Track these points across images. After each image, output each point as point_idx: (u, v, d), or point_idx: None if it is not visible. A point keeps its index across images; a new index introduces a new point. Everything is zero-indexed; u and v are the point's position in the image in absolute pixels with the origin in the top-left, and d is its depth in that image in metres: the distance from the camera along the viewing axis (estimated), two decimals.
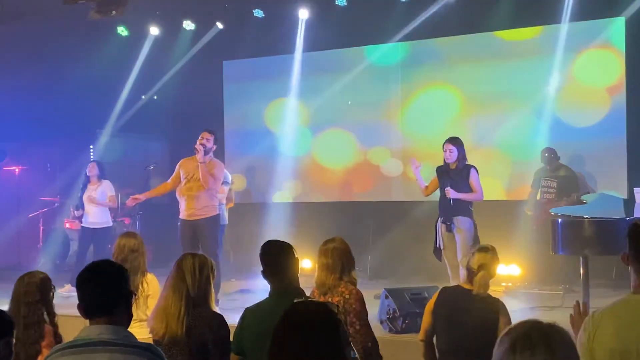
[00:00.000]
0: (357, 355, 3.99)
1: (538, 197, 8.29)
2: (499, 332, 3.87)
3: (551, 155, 8.19)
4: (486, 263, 3.99)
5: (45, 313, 3.78)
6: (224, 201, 8.23)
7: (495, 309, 3.92)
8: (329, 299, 3.92)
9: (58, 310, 3.94)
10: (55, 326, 3.79)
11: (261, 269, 3.59)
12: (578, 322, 2.66)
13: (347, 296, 3.95)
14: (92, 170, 8.87)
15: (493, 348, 3.92)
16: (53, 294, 3.88)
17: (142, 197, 7.63)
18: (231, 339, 3.55)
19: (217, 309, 6.76)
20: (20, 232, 10.98)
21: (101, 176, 8.89)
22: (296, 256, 3.58)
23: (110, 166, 11.44)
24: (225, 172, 7.84)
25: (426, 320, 4.10)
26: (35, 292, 3.74)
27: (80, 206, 8.99)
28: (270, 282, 3.54)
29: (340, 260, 4.02)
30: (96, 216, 8.80)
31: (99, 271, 2.61)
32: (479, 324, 3.85)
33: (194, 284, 3.51)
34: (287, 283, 3.50)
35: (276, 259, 3.52)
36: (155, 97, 11.22)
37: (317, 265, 4.10)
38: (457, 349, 3.90)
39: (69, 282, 8.22)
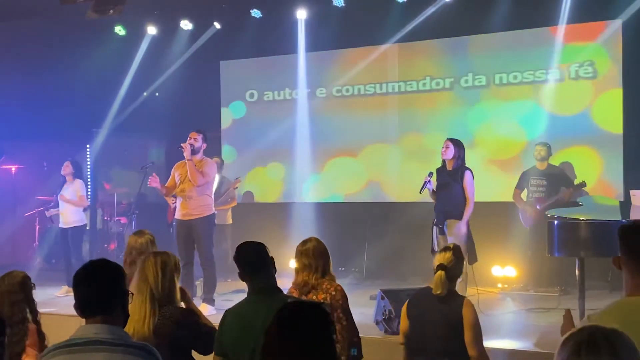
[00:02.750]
0: (356, 353, 4.00)
1: (525, 198, 8.27)
2: (466, 330, 3.91)
3: (546, 149, 8.13)
4: (444, 263, 4.01)
5: (28, 311, 3.81)
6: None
7: (458, 307, 3.92)
8: (313, 298, 3.96)
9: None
10: (38, 324, 3.83)
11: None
12: (568, 328, 2.64)
13: (332, 292, 4.00)
14: (65, 169, 8.76)
15: (458, 346, 3.96)
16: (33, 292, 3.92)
17: (159, 185, 7.40)
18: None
19: (211, 309, 6.81)
20: (16, 231, 10.96)
21: (75, 175, 8.77)
22: (271, 255, 3.61)
23: (107, 165, 11.43)
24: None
25: (403, 323, 4.16)
26: (19, 292, 3.79)
27: (56, 206, 8.87)
28: (247, 282, 3.58)
29: (320, 259, 4.07)
30: (68, 216, 8.70)
31: (95, 270, 2.61)
32: (441, 324, 3.90)
33: (157, 284, 3.51)
34: (264, 283, 3.53)
35: (251, 260, 3.55)
36: (157, 94, 11.20)
37: (296, 267, 4.13)
38: (423, 348, 3.97)
39: (66, 283, 8.20)
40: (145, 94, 11.15)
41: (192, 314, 3.64)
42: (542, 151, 8.13)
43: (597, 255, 6.61)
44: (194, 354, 3.63)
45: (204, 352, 3.60)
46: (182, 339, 3.47)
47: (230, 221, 9.60)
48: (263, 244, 3.63)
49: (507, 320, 6.65)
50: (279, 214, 10.03)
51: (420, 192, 7.07)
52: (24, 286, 3.82)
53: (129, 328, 3.42)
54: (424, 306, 4.01)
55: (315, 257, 4.06)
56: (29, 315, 3.81)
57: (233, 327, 3.45)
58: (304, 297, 3.95)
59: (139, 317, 3.44)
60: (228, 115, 10.91)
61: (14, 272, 3.88)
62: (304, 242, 4.15)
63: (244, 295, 3.63)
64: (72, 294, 2.63)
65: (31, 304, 3.84)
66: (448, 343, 3.87)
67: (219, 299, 7.30)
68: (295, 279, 4.11)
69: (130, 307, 3.44)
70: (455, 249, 4.13)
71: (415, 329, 4.03)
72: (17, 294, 3.77)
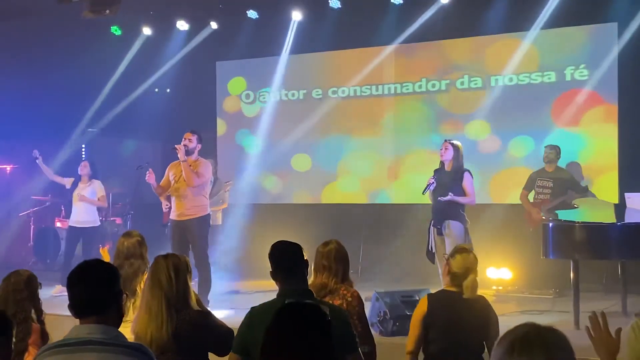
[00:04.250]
0: (367, 350, 3.96)
1: (532, 199, 8.24)
2: (493, 328, 3.94)
3: (555, 152, 8.07)
4: (471, 265, 3.98)
5: (32, 311, 3.80)
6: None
7: (486, 308, 4.01)
8: (329, 302, 3.90)
9: (48, 309, 3.93)
10: (42, 323, 3.81)
11: (270, 269, 3.49)
12: (603, 336, 2.33)
13: (349, 298, 3.95)
14: (83, 169, 8.82)
15: (481, 345, 3.97)
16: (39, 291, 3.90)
17: (154, 182, 7.39)
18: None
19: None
20: (11, 231, 10.93)
21: (92, 176, 8.82)
22: (305, 257, 3.50)
23: (102, 165, 11.41)
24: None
25: (416, 331, 4.00)
26: (23, 290, 3.77)
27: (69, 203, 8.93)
28: (278, 282, 3.46)
29: (340, 264, 4.01)
30: (83, 215, 8.70)
31: (89, 271, 2.60)
32: (474, 327, 3.91)
33: (171, 289, 3.46)
34: (296, 284, 3.41)
35: (286, 259, 3.44)
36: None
37: (314, 268, 4.05)
38: (451, 352, 3.91)
39: (59, 283, 8.17)
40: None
41: (209, 315, 3.58)
42: (550, 154, 8.08)
43: (592, 257, 6.63)
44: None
45: (222, 354, 3.52)
46: (201, 341, 3.43)
47: (220, 222, 9.58)
48: (299, 245, 3.51)
49: (501, 323, 6.60)
50: (275, 215, 10.00)
51: (422, 194, 7.06)
52: (29, 285, 3.79)
53: (147, 334, 3.38)
54: (453, 309, 3.94)
55: (336, 260, 4.00)
56: (33, 315, 3.78)
57: (260, 327, 3.34)
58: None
59: (156, 324, 3.38)
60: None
61: (20, 271, 3.86)
62: (325, 244, 4.08)
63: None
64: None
65: (36, 303, 3.81)
66: (477, 343, 3.92)
67: (214, 300, 7.27)
68: (312, 280, 4.01)
69: (146, 314, 3.43)
70: (471, 249, 4.11)
71: (442, 335, 3.93)
72: (22, 292, 3.74)
